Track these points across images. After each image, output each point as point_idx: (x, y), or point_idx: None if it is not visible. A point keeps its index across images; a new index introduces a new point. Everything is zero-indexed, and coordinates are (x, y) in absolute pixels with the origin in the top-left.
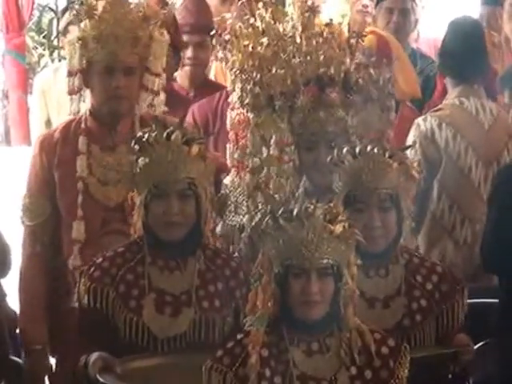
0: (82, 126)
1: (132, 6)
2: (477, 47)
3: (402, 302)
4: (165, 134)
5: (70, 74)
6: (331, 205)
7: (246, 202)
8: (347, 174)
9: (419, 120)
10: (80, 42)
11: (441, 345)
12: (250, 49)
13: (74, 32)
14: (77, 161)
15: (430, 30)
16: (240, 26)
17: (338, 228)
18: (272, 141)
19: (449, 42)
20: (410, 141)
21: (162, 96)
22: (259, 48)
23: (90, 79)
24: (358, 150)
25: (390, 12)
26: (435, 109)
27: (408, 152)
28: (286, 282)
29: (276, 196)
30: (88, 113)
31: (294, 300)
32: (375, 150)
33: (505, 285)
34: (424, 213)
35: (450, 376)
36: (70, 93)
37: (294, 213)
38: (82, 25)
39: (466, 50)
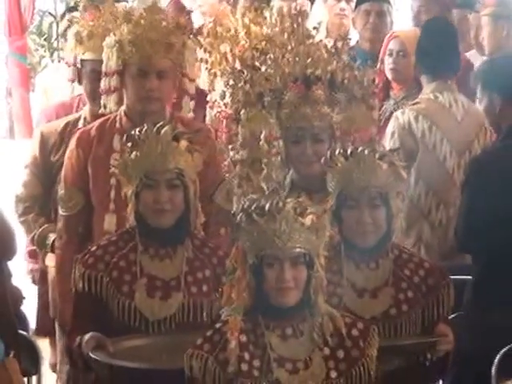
0: (117, 125)
1: (167, 14)
2: (450, 46)
3: (389, 292)
4: (155, 129)
5: (106, 74)
6: (300, 199)
7: (237, 191)
8: (339, 174)
9: (398, 113)
10: (117, 45)
11: (424, 335)
12: (228, 51)
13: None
14: (111, 158)
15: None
16: (218, 30)
17: (308, 220)
18: (261, 135)
19: (423, 42)
20: (389, 132)
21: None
22: (237, 50)
23: (125, 80)
24: (349, 151)
25: (367, 14)
26: (412, 103)
27: (387, 142)
28: (260, 272)
29: (264, 186)
30: (123, 113)
31: (269, 288)
32: (366, 152)
33: (476, 263)
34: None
35: (427, 364)
36: (105, 92)
37: (266, 208)
38: (120, 29)
39: (439, 49)
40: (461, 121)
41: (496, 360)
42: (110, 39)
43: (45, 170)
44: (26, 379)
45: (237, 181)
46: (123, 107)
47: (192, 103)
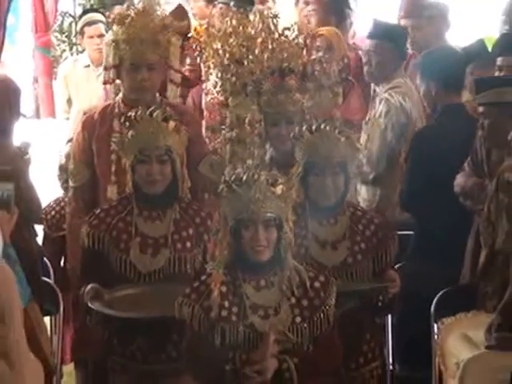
0: (116, 110)
1: (154, 16)
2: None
3: (346, 244)
4: (148, 112)
5: (106, 68)
6: (272, 172)
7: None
8: (306, 146)
9: (385, 95)
10: (114, 43)
11: (375, 279)
12: (220, 47)
13: (88, 32)
14: (112, 138)
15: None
16: (211, 30)
17: (278, 190)
18: (246, 119)
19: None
20: (382, 112)
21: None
22: (227, 47)
23: (121, 73)
24: (314, 127)
25: None
26: (391, 87)
27: (381, 120)
28: (238, 233)
29: (249, 161)
30: (120, 100)
31: (246, 247)
32: (327, 127)
33: (417, 221)
34: (391, 165)
35: (380, 304)
36: (106, 83)
37: (244, 179)
38: (115, 30)
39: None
40: (417, 98)
41: (434, 300)
42: (108, 39)
43: None
44: (49, 318)
45: (228, 157)
46: (120, 95)
47: (178, 90)
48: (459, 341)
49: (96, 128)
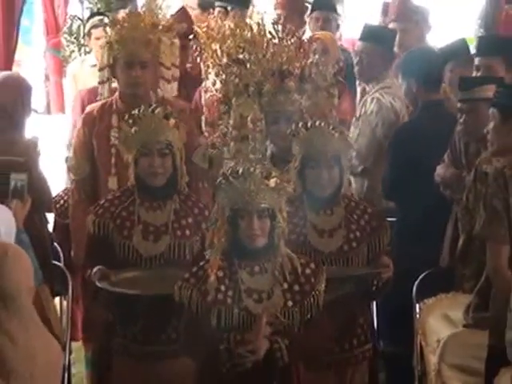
0: (114, 107)
1: (144, 16)
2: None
3: (342, 233)
4: (150, 110)
5: (101, 69)
6: (267, 166)
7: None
8: (302, 141)
9: (377, 95)
10: (107, 45)
11: (369, 265)
12: (218, 48)
13: (95, 34)
14: (110, 132)
15: (350, 32)
16: (210, 32)
17: (272, 182)
18: (248, 117)
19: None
20: (373, 111)
21: (174, 84)
22: (225, 48)
23: (116, 72)
24: (309, 124)
25: (317, 20)
26: (382, 87)
27: (372, 117)
28: (235, 223)
29: (251, 156)
30: (117, 97)
31: (241, 235)
32: (322, 124)
33: (399, 209)
34: (378, 159)
35: (374, 288)
36: (101, 82)
37: (240, 172)
38: (108, 32)
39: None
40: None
41: (416, 282)
42: (101, 42)
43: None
44: (58, 298)
45: (232, 153)
46: (117, 93)
47: (169, 86)
48: (439, 320)
49: (96, 124)
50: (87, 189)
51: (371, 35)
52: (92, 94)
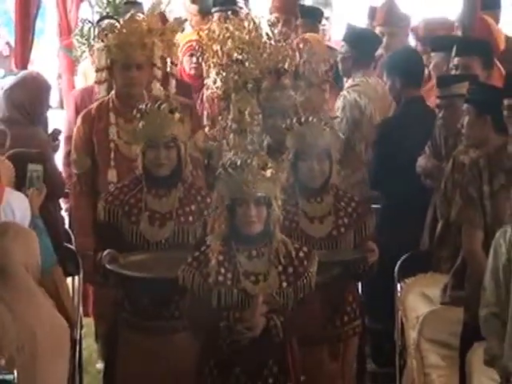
0: (111, 105)
1: (140, 22)
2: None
3: (331, 219)
4: (156, 105)
5: (98, 70)
6: (263, 157)
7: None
8: (295, 135)
9: (344, 93)
10: (106, 48)
11: (357, 250)
12: (219, 49)
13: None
14: (109, 129)
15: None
16: (211, 34)
17: (268, 173)
18: (246, 111)
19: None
20: (339, 107)
21: (173, 83)
22: (225, 49)
23: (113, 73)
24: (303, 119)
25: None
26: (352, 85)
27: (338, 114)
28: (233, 210)
29: (249, 147)
30: (114, 96)
31: (240, 222)
32: (314, 120)
33: (384, 197)
34: (346, 153)
35: (360, 271)
36: (98, 82)
37: (238, 163)
38: (107, 37)
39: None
40: (382, 95)
41: (398, 263)
42: (99, 45)
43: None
44: (71, 278)
45: (231, 144)
46: (113, 92)
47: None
48: (418, 298)
49: (94, 123)
50: (88, 182)
51: (347, 36)
52: (85, 93)
